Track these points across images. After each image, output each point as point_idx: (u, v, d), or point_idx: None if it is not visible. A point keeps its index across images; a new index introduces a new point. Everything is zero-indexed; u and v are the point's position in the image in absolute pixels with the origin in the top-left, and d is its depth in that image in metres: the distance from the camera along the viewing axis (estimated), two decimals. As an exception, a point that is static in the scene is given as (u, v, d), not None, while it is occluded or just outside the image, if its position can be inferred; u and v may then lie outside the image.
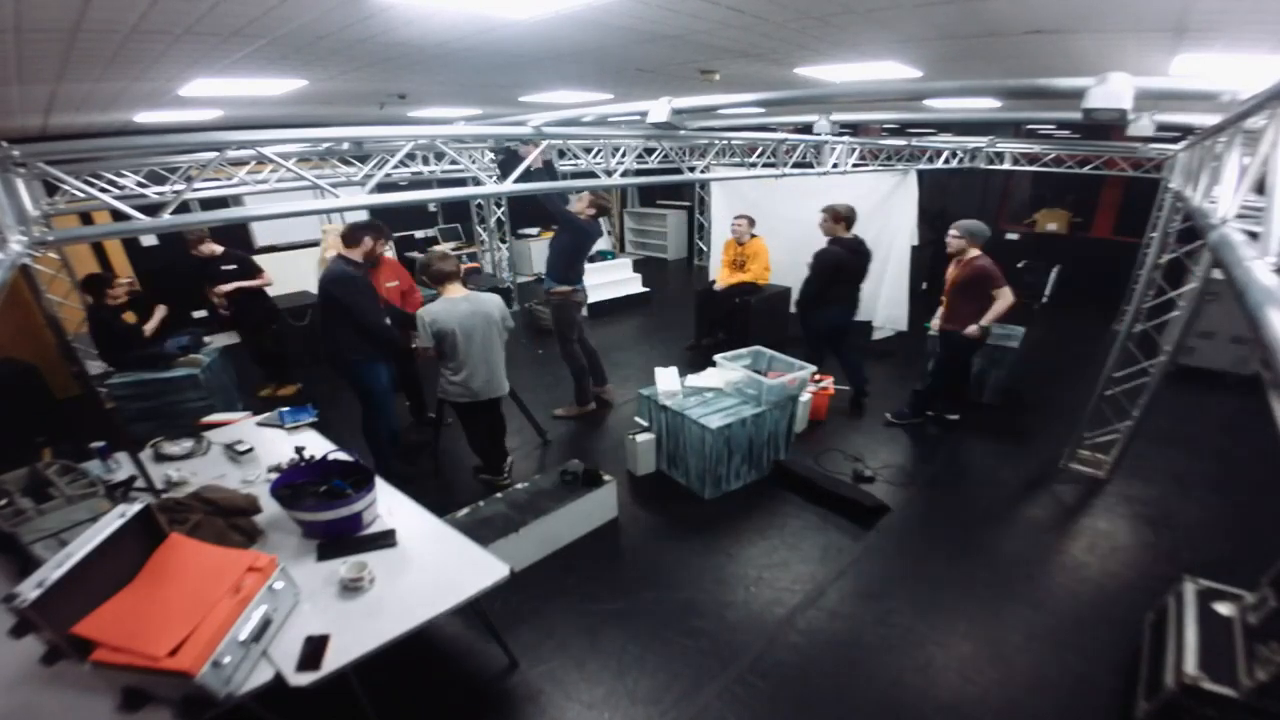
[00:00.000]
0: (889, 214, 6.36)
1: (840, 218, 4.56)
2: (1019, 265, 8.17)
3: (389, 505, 2.56)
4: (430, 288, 3.55)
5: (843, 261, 4.57)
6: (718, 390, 4.02)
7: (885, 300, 6.60)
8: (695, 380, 4.09)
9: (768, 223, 7.14)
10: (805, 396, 4.52)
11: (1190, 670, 2.03)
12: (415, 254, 8.91)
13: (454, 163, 4.77)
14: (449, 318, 3.30)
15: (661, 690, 2.53)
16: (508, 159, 3.40)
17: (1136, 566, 3.23)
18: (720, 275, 6.33)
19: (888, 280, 6.52)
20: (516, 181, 3.32)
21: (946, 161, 6.16)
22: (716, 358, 4.28)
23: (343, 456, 2.59)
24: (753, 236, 6.09)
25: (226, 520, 2.31)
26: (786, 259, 7.07)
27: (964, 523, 3.64)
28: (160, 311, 4.79)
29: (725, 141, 4.67)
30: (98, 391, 4.35)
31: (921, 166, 6.05)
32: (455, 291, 3.37)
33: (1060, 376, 5.65)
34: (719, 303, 6.25)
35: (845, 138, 5.04)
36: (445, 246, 9.00)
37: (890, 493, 3.90)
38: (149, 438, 3.11)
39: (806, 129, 4.66)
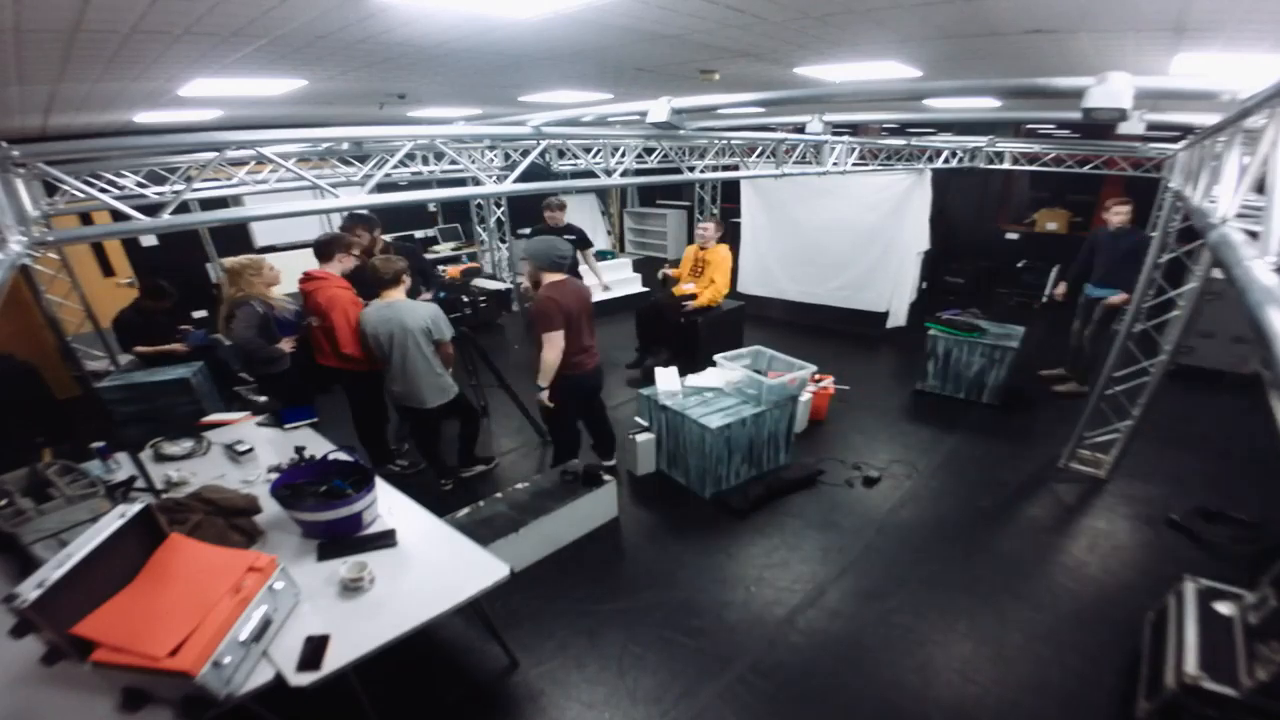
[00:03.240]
0: (904, 214, 6.38)
1: None
2: (1019, 265, 8.19)
3: (389, 505, 2.56)
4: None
5: None
6: (718, 390, 4.02)
7: (897, 297, 6.74)
8: (695, 380, 4.09)
9: (794, 221, 7.18)
10: (805, 396, 4.52)
11: (1191, 670, 2.03)
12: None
13: (454, 163, 4.76)
14: (370, 322, 3.35)
15: (662, 690, 2.53)
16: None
17: (1136, 566, 3.23)
18: (680, 287, 5.75)
19: (901, 279, 6.66)
20: (516, 181, 3.32)
21: (946, 161, 6.16)
22: (716, 357, 4.28)
23: (343, 456, 2.59)
24: (718, 243, 5.59)
25: (227, 520, 2.30)
26: (815, 255, 7.13)
27: (964, 522, 3.64)
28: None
29: (725, 141, 4.66)
30: (97, 392, 4.35)
31: (920, 166, 6.06)
32: (389, 297, 3.36)
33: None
34: (664, 320, 5.71)
35: (845, 137, 5.04)
36: (445, 245, 9.00)
37: (890, 493, 3.91)
38: (141, 441, 3.09)
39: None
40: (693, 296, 5.57)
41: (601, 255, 10.52)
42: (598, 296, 7.79)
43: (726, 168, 5.20)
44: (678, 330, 5.66)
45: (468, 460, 4.00)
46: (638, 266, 9.03)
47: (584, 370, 3.43)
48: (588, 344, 3.42)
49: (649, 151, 4.92)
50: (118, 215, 2.36)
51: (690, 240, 10.94)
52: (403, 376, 3.39)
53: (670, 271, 5.87)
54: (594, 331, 3.50)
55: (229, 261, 3.65)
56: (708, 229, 5.56)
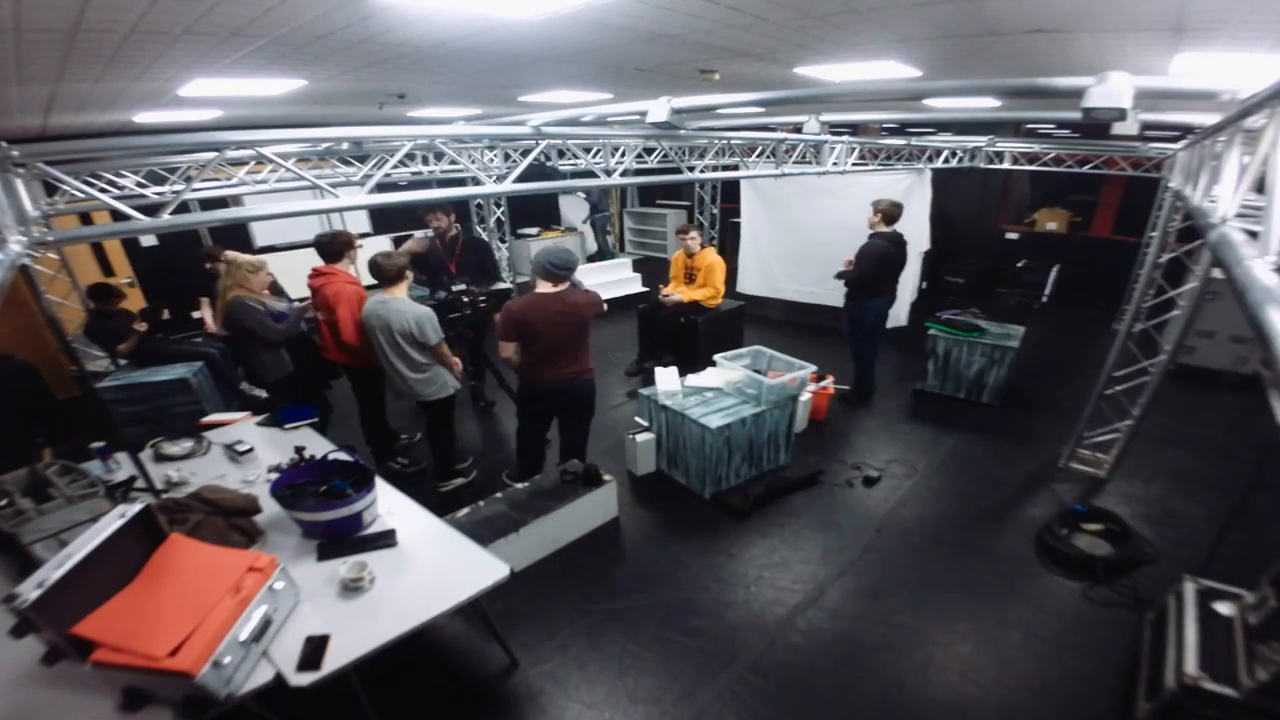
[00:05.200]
0: (904, 214, 6.36)
1: (881, 213, 4.79)
2: (1019, 265, 8.19)
3: (389, 505, 2.56)
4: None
5: (887, 254, 4.70)
6: (718, 390, 4.02)
7: (897, 298, 6.69)
8: (695, 380, 4.09)
9: (794, 221, 7.18)
10: (805, 396, 4.52)
11: (1190, 670, 2.03)
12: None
13: (453, 163, 4.77)
14: (365, 314, 3.41)
15: (662, 690, 2.53)
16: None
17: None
18: (670, 288, 5.81)
19: (901, 279, 6.60)
20: (516, 181, 3.32)
21: (946, 161, 6.16)
22: (716, 357, 4.28)
23: (343, 456, 2.59)
24: (703, 248, 5.66)
25: (227, 520, 2.30)
26: (815, 255, 7.13)
27: (964, 522, 3.64)
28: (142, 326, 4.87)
29: (725, 141, 4.66)
30: (97, 392, 4.36)
31: (920, 166, 6.06)
32: (390, 293, 3.38)
33: (1060, 376, 5.65)
34: (664, 322, 5.70)
35: (845, 137, 5.04)
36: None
37: (890, 493, 3.91)
38: (141, 441, 3.09)
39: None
40: (693, 306, 5.60)
41: (602, 255, 10.55)
42: (602, 295, 7.89)
43: (726, 168, 5.20)
44: (679, 331, 5.66)
45: (445, 473, 3.90)
46: (638, 266, 9.03)
47: (544, 381, 3.33)
48: (557, 358, 3.27)
49: (649, 151, 4.92)
50: (117, 215, 2.36)
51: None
52: (391, 369, 3.46)
53: (664, 290, 5.80)
54: (576, 347, 3.33)
55: (231, 254, 3.67)
56: (689, 237, 5.54)
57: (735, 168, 5.55)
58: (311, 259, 3.69)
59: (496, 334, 3.25)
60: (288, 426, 3.32)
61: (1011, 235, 8.61)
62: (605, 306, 3.47)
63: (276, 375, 3.72)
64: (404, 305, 3.35)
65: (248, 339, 3.60)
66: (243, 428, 3.37)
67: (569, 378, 3.36)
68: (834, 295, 7.15)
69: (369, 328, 3.40)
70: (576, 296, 3.27)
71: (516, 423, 3.67)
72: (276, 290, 4.20)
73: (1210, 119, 2.60)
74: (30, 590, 1.50)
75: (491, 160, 5.36)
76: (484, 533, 2.96)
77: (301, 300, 3.82)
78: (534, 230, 10.10)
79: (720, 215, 9.48)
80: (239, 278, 3.56)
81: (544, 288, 3.21)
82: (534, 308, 3.17)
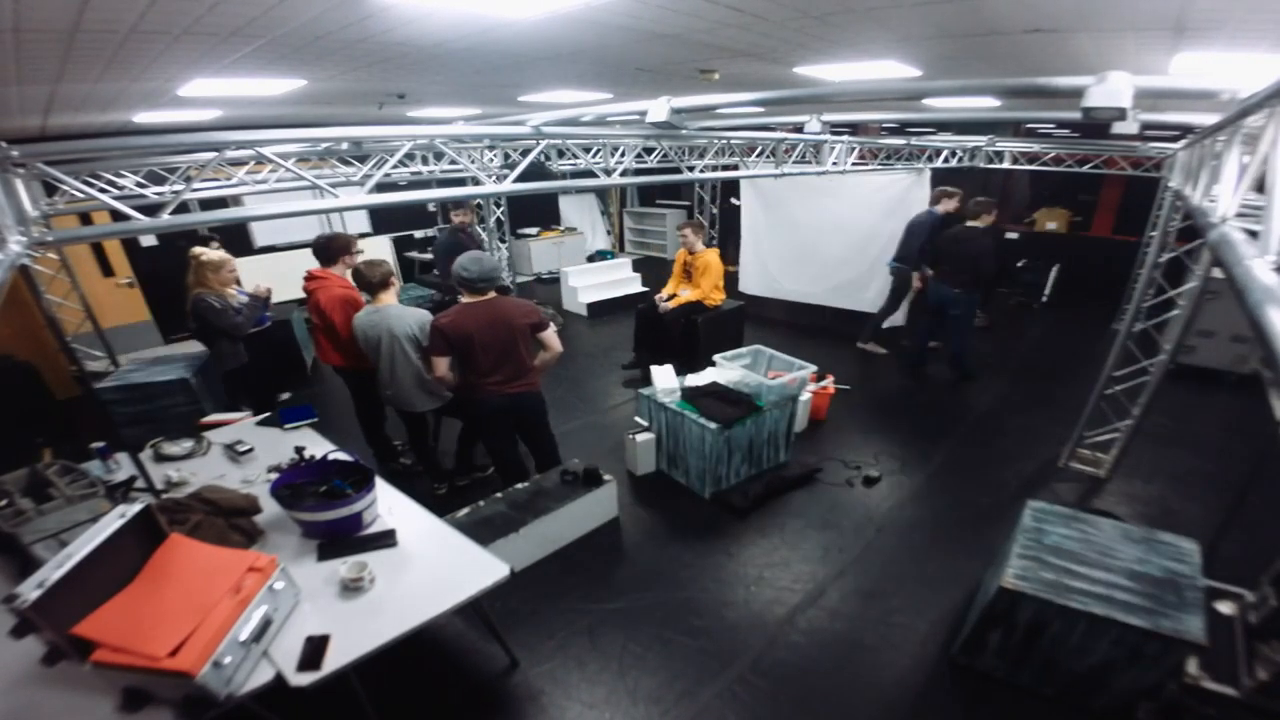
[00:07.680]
0: (903, 213, 6.36)
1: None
2: (1019, 264, 8.19)
3: (389, 505, 2.56)
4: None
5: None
6: (718, 390, 4.01)
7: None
8: (695, 380, 4.09)
9: (793, 221, 7.18)
10: (805, 396, 4.52)
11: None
12: (414, 254, 8.92)
13: (453, 162, 4.77)
14: (360, 326, 3.36)
15: (663, 689, 2.53)
16: None
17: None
18: (667, 289, 5.77)
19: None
20: (516, 181, 3.32)
21: (946, 161, 6.16)
22: (716, 357, 4.28)
23: (343, 456, 2.59)
24: (707, 247, 5.65)
25: (227, 520, 2.30)
26: (815, 255, 7.13)
27: (964, 522, 3.64)
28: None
29: (725, 141, 4.66)
30: (97, 392, 4.36)
31: (920, 165, 6.06)
32: (381, 300, 3.35)
33: (1060, 376, 5.65)
34: (662, 323, 5.64)
35: (844, 137, 5.04)
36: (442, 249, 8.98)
37: (891, 492, 3.91)
38: (140, 442, 3.08)
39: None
40: (693, 305, 5.60)
41: (601, 255, 10.56)
42: (596, 297, 7.90)
43: (726, 167, 5.20)
44: (679, 332, 5.66)
45: (465, 468, 3.93)
46: (637, 266, 9.02)
47: (485, 394, 3.14)
48: (493, 371, 3.10)
49: (649, 151, 4.91)
50: (117, 215, 2.36)
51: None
52: (391, 380, 3.39)
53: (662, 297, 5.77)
54: (513, 358, 3.13)
55: (197, 250, 3.77)
56: (687, 235, 5.54)
57: (735, 168, 5.54)
58: (310, 259, 3.68)
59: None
60: (288, 426, 3.31)
61: (1011, 235, 8.61)
62: (552, 324, 3.27)
63: (231, 366, 3.86)
64: (401, 310, 3.33)
65: (211, 333, 3.76)
66: (243, 428, 3.37)
67: (513, 393, 3.17)
68: (833, 295, 7.19)
69: (364, 339, 3.34)
70: (507, 305, 3.12)
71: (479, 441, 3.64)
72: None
73: (1210, 119, 2.60)
74: (30, 590, 1.50)
75: (491, 160, 5.37)
76: (484, 533, 2.96)
77: (264, 289, 3.97)
78: (534, 230, 10.10)
79: (720, 213, 9.48)
80: (200, 276, 3.70)
81: (469, 298, 3.07)
82: (462, 316, 3.01)
